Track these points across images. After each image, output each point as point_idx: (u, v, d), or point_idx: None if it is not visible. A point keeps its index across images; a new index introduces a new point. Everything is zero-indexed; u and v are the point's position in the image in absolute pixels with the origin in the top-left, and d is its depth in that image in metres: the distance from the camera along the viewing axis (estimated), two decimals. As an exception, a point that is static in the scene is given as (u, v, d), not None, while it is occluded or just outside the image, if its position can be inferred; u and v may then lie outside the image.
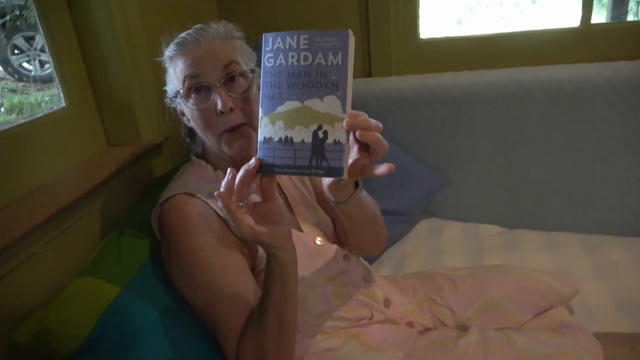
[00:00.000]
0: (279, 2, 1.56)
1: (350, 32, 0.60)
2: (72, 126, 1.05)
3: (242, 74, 0.86)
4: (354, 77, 1.62)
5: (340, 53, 0.60)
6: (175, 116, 0.94)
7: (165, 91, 0.93)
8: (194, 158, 0.96)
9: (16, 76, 2.46)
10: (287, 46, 0.63)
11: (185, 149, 1.09)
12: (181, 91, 0.85)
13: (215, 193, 0.65)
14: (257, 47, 1.30)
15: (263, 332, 0.76)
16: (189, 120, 0.90)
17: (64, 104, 1.06)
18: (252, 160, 0.65)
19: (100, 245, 0.91)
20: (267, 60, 0.64)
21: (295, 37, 0.62)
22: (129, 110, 1.11)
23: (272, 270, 0.74)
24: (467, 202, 1.55)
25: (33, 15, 1.03)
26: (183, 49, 0.85)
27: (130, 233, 0.93)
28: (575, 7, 1.44)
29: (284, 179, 0.99)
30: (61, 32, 1.04)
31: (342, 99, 0.61)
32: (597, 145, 1.41)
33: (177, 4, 1.36)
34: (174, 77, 0.88)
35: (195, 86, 0.84)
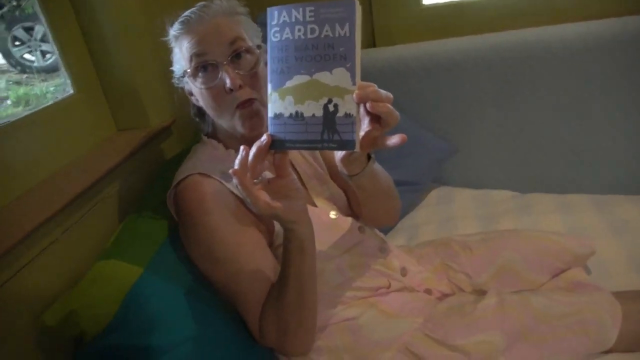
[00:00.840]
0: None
1: (357, 1, 0.59)
2: (81, 113, 1.06)
3: (249, 50, 0.85)
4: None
5: (347, 23, 0.59)
6: (182, 97, 0.94)
7: (172, 71, 0.92)
8: (204, 138, 0.96)
9: (19, 68, 2.45)
10: (293, 19, 0.61)
11: (194, 130, 1.10)
12: (189, 70, 0.85)
13: (230, 171, 0.65)
14: (261, 23, 1.29)
15: (283, 304, 0.78)
16: (197, 100, 0.90)
17: (71, 92, 1.06)
18: (264, 137, 0.65)
19: (119, 228, 0.93)
20: (273, 35, 0.63)
21: (300, 9, 0.61)
22: (135, 94, 1.11)
23: (289, 245, 0.74)
24: (477, 168, 1.54)
25: (30, 5, 1.02)
26: (187, 28, 0.84)
27: (147, 215, 0.94)
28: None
29: (295, 155, 0.99)
30: (63, 20, 1.04)
31: (351, 70, 0.60)
32: (605, 104, 1.38)
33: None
34: (181, 57, 0.88)
35: (203, 64, 0.83)
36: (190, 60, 0.84)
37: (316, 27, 0.60)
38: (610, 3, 1.40)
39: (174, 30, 0.87)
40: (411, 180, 1.44)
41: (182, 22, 0.85)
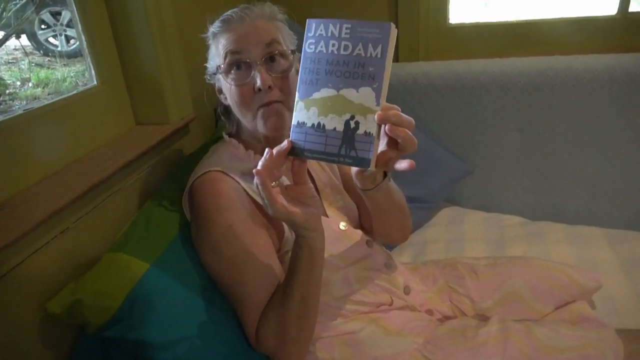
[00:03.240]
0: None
1: (393, 25, 0.60)
2: (102, 105, 1.07)
3: (283, 54, 0.86)
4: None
5: (381, 45, 0.60)
6: (210, 95, 0.96)
7: (206, 67, 0.94)
8: (226, 137, 0.97)
9: (42, 51, 2.50)
10: (329, 34, 0.63)
11: (212, 130, 1.11)
12: (222, 66, 0.86)
13: (254, 170, 0.67)
14: (296, 30, 1.30)
15: (285, 311, 0.78)
16: (226, 98, 0.92)
17: (93, 82, 1.08)
18: (285, 142, 0.67)
19: (130, 221, 0.94)
20: (307, 46, 0.65)
21: (338, 25, 0.63)
22: (158, 91, 1.13)
23: (300, 251, 0.75)
24: (491, 191, 1.54)
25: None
26: (227, 26, 0.86)
27: (159, 211, 0.95)
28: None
29: (313, 163, 1.00)
30: (92, 9, 1.05)
31: (377, 91, 0.61)
32: (629, 138, 1.37)
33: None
34: (216, 54, 0.89)
35: (237, 62, 0.85)
36: (225, 57, 0.86)
37: (350, 45, 0.62)
38: (634, 38, 1.40)
39: (213, 28, 0.88)
40: (424, 198, 1.44)
41: (223, 21, 0.87)
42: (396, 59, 1.55)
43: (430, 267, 1.12)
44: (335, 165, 1.05)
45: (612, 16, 1.43)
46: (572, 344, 0.87)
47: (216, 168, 0.88)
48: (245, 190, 0.88)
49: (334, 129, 0.63)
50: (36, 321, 0.78)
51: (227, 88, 0.88)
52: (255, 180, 0.67)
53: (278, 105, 0.86)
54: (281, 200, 0.69)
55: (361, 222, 1.03)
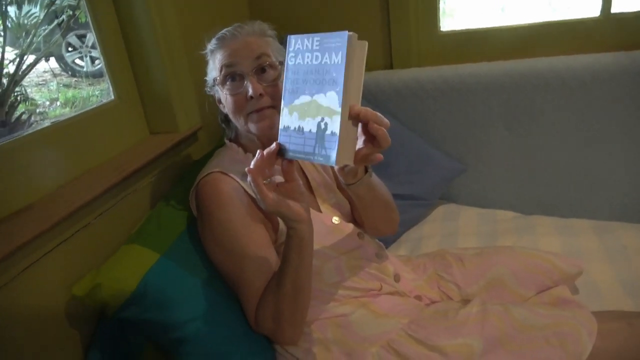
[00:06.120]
0: (302, 3, 1.65)
1: (352, 34, 0.67)
2: (120, 117, 1.20)
3: (272, 65, 0.97)
4: (375, 69, 1.70)
5: (340, 52, 0.67)
6: (211, 106, 1.07)
7: (205, 81, 1.06)
8: (227, 142, 1.08)
9: (70, 72, 2.67)
10: (305, 47, 0.72)
11: (218, 137, 1.22)
12: (218, 78, 0.98)
13: (246, 169, 0.77)
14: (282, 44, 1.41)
15: (280, 295, 0.87)
16: (224, 107, 1.03)
17: (111, 97, 1.20)
18: (273, 145, 0.77)
19: (145, 218, 1.05)
20: (289, 59, 0.74)
21: (310, 39, 0.71)
22: (168, 103, 1.25)
23: (291, 241, 0.84)
24: (485, 188, 1.60)
25: (84, 14, 1.17)
26: (222, 43, 0.98)
27: (169, 208, 1.06)
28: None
29: (307, 165, 1.11)
30: (110, 33, 1.18)
31: (339, 94, 0.68)
32: (613, 133, 1.43)
33: (210, 4, 1.48)
34: (213, 68, 1.01)
35: (231, 74, 0.96)
36: (221, 70, 0.97)
37: (319, 55, 0.70)
38: (625, 38, 1.45)
39: (210, 45, 1.00)
40: (419, 196, 1.51)
41: (218, 39, 0.99)
42: (390, 65, 1.64)
43: (421, 258, 1.20)
44: (329, 167, 1.15)
45: (595, 18, 1.48)
46: (548, 322, 0.92)
47: (217, 169, 0.99)
48: (244, 189, 0.98)
49: (310, 130, 0.71)
50: (63, 304, 0.89)
51: (224, 97, 0.99)
52: (248, 177, 0.77)
53: (269, 110, 0.96)
54: (272, 195, 0.78)
55: (353, 216, 1.11)
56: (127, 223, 1.06)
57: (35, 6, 1.79)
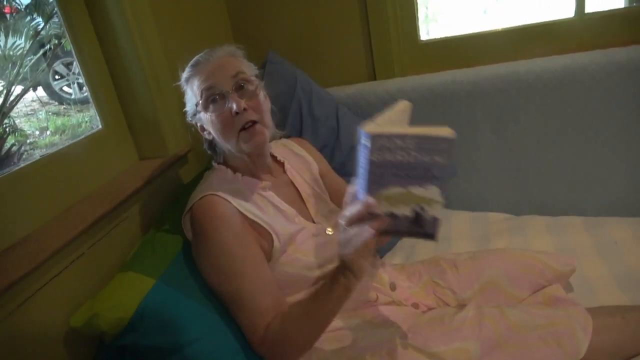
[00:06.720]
0: (284, 21, 1.68)
1: (452, 135, 0.71)
2: (108, 145, 1.21)
3: (248, 81, 1.00)
4: (359, 81, 1.73)
5: (446, 154, 0.71)
6: (194, 135, 1.08)
7: (185, 112, 1.07)
8: (215, 165, 1.09)
9: (57, 100, 2.68)
10: (395, 146, 0.72)
11: (208, 157, 1.23)
12: (200, 103, 0.99)
13: (368, 227, 0.77)
14: (266, 61, 1.45)
15: (302, 327, 0.89)
16: (209, 133, 1.04)
17: (99, 126, 1.21)
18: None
19: (139, 243, 1.06)
20: (372, 155, 0.73)
21: (403, 139, 0.72)
22: (156, 127, 1.26)
23: (333, 286, 0.85)
24: (475, 192, 1.62)
25: (69, 43, 1.18)
26: (197, 69, 1.00)
27: (162, 233, 1.07)
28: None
29: (295, 177, 1.13)
30: (93, 62, 1.19)
31: (441, 187, 0.73)
32: (596, 130, 1.46)
33: (194, 29, 1.50)
34: (192, 95, 1.02)
35: (212, 96, 0.98)
36: (201, 95, 0.99)
37: (418, 155, 0.72)
38: (600, 36, 1.48)
39: (185, 74, 1.02)
40: (411, 203, 1.53)
41: (192, 65, 1.01)
42: (373, 77, 1.66)
43: (416, 265, 1.21)
44: (319, 179, 1.17)
45: (570, 18, 1.52)
46: (543, 322, 0.94)
47: (209, 192, 0.99)
48: (236, 208, 0.99)
49: (403, 214, 0.76)
50: (61, 335, 0.90)
51: (209, 120, 1.00)
52: (365, 232, 0.77)
53: (258, 127, 0.99)
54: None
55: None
56: (120, 250, 1.06)
57: (20, 37, 1.80)
